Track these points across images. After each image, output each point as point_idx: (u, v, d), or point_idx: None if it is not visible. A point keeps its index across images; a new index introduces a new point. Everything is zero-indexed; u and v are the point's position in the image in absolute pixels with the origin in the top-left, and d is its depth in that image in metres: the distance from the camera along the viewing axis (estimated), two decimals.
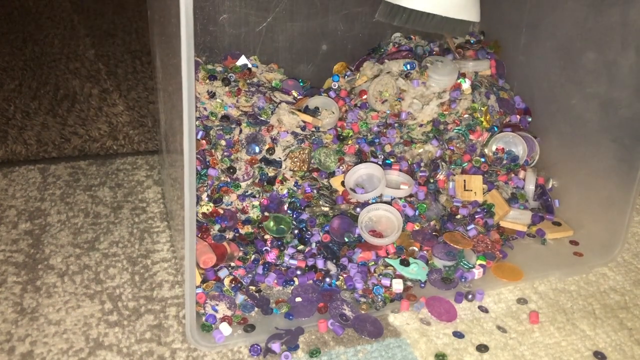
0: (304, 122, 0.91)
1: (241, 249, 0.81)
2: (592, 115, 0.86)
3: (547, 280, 0.82)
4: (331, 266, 0.80)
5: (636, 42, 0.78)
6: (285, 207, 0.87)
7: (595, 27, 0.84)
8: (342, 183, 0.89)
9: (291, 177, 0.89)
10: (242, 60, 0.99)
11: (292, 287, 0.78)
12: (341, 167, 0.91)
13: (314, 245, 0.83)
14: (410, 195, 0.88)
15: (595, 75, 0.85)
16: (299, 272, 0.79)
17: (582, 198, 0.90)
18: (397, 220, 0.84)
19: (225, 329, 0.70)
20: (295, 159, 0.89)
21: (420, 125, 0.95)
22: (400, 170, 0.90)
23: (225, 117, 0.90)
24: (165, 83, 0.75)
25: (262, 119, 0.91)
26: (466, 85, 0.96)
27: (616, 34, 0.81)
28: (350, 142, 0.93)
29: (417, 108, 0.95)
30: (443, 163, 0.92)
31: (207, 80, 0.93)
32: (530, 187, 0.93)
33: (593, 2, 0.84)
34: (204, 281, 0.76)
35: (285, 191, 0.88)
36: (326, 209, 0.87)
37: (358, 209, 0.86)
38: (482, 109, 0.95)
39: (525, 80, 1.01)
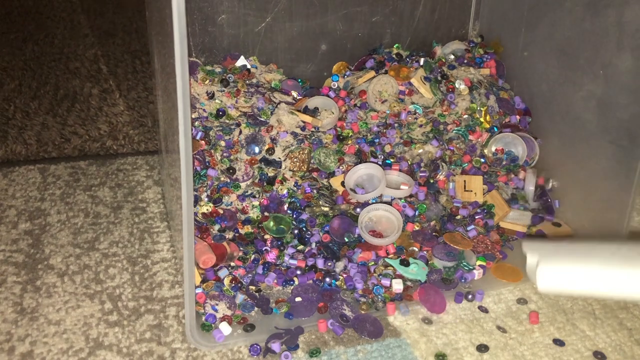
0: (304, 122, 0.91)
1: (241, 249, 0.81)
2: (591, 117, 0.86)
3: None
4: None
5: (631, 44, 0.78)
6: (285, 207, 0.87)
7: (591, 28, 0.84)
8: (342, 183, 0.89)
9: (291, 177, 0.89)
10: (241, 61, 0.99)
11: (292, 286, 0.78)
12: (341, 167, 0.91)
13: (314, 245, 0.83)
14: (411, 196, 0.88)
15: (593, 76, 0.85)
16: (298, 272, 0.79)
17: (582, 199, 0.90)
18: (397, 221, 0.84)
19: (225, 328, 0.70)
20: (295, 159, 0.89)
21: (420, 126, 0.95)
22: (400, 170, 0.90)
23: (220, 111, 0.90)
24: (164, 83, 0.75)
25: (262, 119, 0.91)
26: (462, 86, 0.96)
27: (612, 35, 0.81)
28: (350, 142, 0.93)
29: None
30: (443, 163, 0.92)
31: (207, 82, 0.93)
32: (530, 188, 0.93)
33: (589, 3, 0.84)
34: (203, 281, 0.76)
35: (285, 191, 0.88)
36: (326, 209, 0.87)
37: (358, 209, 0.85)
38: (482, 109, 0.95)
39: (524, 81, 1.01)
